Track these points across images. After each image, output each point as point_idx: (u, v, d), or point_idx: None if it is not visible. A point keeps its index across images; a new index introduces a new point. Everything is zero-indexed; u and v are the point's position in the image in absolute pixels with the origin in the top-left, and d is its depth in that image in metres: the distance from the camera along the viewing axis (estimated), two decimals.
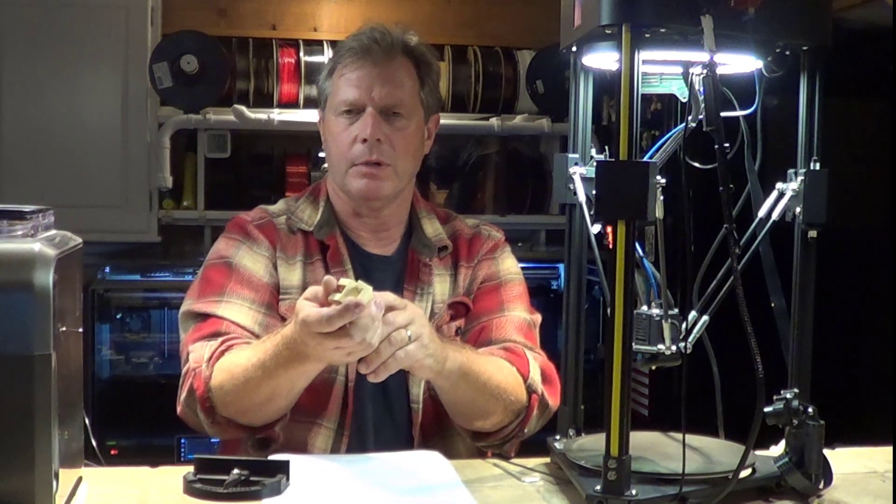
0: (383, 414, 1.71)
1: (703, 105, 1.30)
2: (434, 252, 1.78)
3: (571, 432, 1.47)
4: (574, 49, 1.40)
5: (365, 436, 1.69)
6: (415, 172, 1.80)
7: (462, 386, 1.57)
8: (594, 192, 1.29)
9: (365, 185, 1.72)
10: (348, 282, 1.38)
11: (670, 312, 1.35)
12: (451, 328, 1.76)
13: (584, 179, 1.42)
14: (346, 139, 1.73)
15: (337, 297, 1.36)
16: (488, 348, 1.70)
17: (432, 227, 1.82)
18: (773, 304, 1.40)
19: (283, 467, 1.35)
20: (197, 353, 1.62)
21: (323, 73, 1.81)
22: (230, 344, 1.61)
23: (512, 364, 1.66)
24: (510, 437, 1.66)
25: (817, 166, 1.37)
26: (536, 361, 1.70)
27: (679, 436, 1.36)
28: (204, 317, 1.67)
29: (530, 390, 1.66)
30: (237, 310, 1.67)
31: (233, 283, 1.70)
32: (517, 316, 1.77)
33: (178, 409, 1.64)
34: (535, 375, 1.67)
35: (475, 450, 1.74)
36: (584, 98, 1.46)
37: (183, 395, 1.62)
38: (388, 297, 1.46)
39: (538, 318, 1.82)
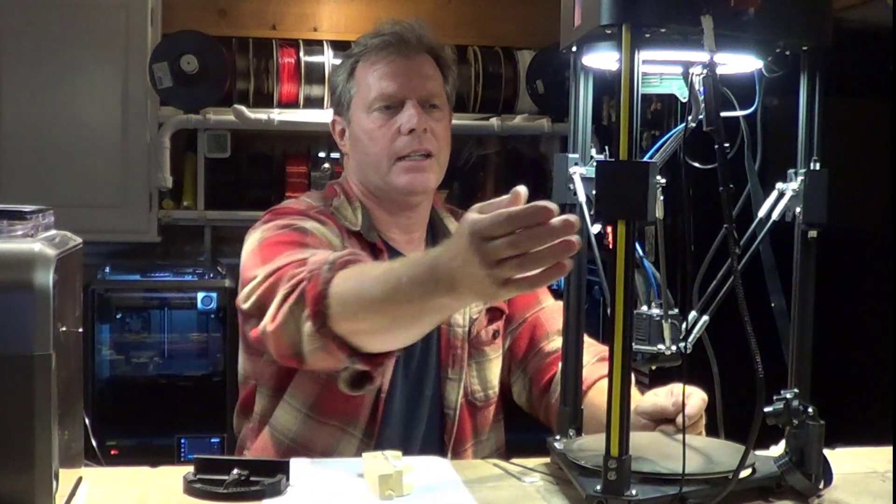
0: (413, 422, 1.68)
1: (703, 105, 1.30)
2: None
3: (571, 432, 1.47)
4: (574, 49, 1.40)
5: (392, 444, 1.62)
6: None
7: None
8: (594, 192, 1.29)
9: (411, 178, 1.68)
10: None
11: (670, 312, 1.35)
12: (489, 332, 1.75)
13: (584, 179, 1.41)
14: (385, 134, 1.69)
15: None
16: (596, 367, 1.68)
17: (454, 227, 1.77)
18: (773, 304, 1.40)
19: (283, 467, 1.35)
20: (319, 256, 1.46)
21: (340, 75, 1.76)
22: (356, 258, 1.46)
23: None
24: None
25: (817, 166, 1.37)
26: None
27: (679, 436, 1.36)
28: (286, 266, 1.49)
29: None
30: (327, 257, 1.46)
31: (311, 240, 1.55)
32: (553, 304, 1.76)
33: (271, 324, 1.45)
34: None
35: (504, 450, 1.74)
36: (584, 98, 1.45)
37: (286, 305, 1.42)
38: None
39: None
